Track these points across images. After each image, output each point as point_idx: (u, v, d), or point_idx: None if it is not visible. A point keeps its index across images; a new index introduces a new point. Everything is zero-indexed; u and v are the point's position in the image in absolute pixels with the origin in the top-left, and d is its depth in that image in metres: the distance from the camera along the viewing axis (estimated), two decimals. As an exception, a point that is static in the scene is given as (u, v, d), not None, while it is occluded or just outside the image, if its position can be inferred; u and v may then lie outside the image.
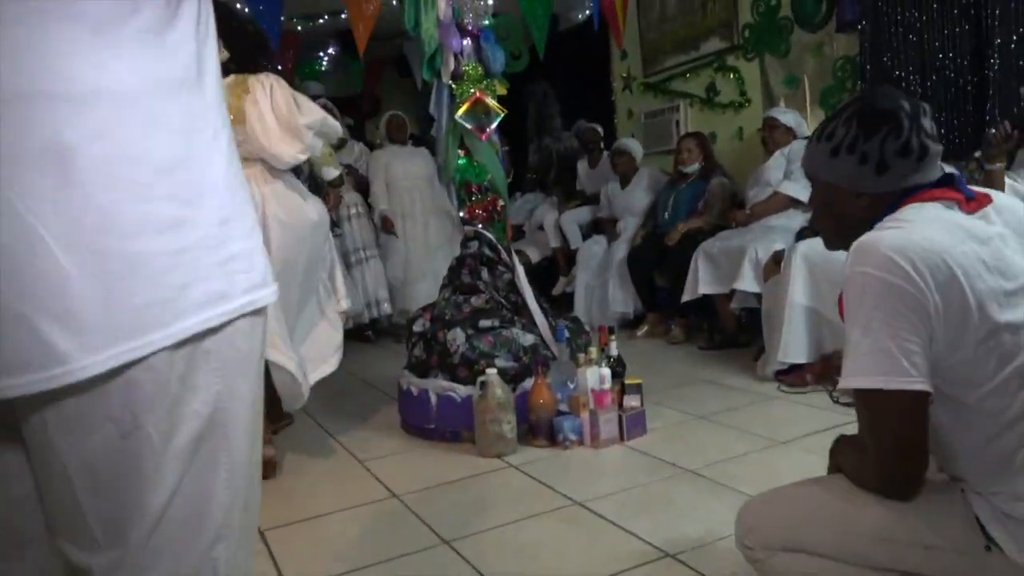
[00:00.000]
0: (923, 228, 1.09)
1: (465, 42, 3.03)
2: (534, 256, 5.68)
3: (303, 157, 2.68)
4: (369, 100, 7.62)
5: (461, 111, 3.01)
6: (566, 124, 6.32)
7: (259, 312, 0.83)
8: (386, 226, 4.90)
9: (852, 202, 1.20)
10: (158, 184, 0.73)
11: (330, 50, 6.86)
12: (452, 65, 3.00)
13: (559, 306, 4.86)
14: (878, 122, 1.15)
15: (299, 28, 5.89)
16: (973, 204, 1.15)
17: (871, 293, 1.06)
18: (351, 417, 3.33)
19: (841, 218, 1.23)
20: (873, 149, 1.15)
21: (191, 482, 0.78)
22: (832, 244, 1.28)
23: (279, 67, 6.38)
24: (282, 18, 5.32)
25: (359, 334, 5.15)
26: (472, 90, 3.02)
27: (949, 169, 1.21)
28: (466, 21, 3.02)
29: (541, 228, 5.75)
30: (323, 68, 7.14)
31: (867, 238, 1.11)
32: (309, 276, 2.70)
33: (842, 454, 1.27)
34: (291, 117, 2.59)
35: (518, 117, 5.96)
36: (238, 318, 0.80)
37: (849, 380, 1.09)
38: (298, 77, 6.33)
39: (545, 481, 2.37)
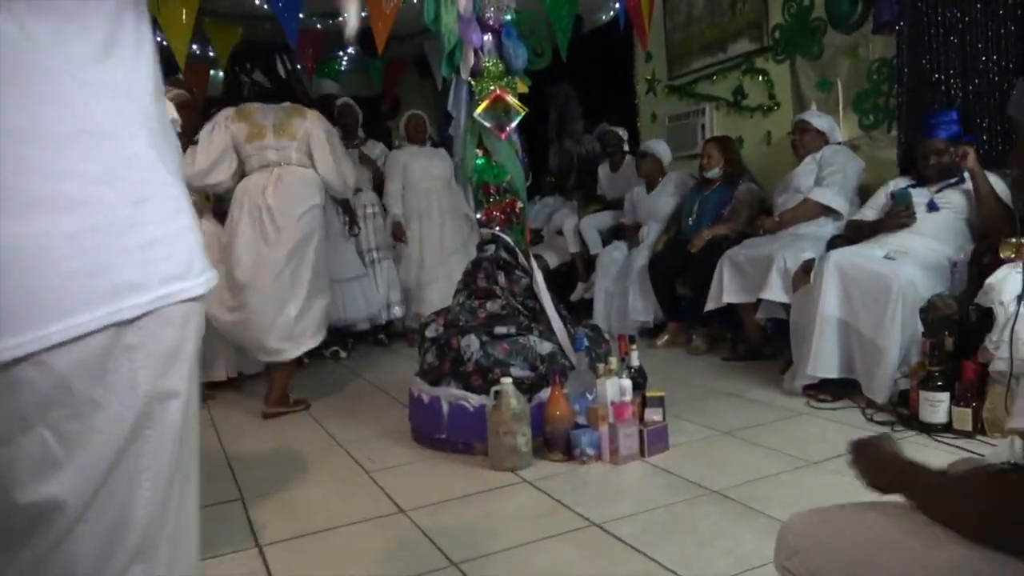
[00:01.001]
0: None
1: (486, 37, 2.91)
2: (552, 261, 5.56)
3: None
4: (389, 100, 7.52)
5: (480, 109, 2.89)
6: (588, 127, 6.18)
7: (195, 300, 0.74)
8: (396, 233, 4.81)
9: None
10: (53, 159, 0.64)
11: (350, 49, 6.77)
12: (472, 61, 2.88)
13: (577, 313, 4.73)
14: None
15: (318, 26, 5.80)
16: None
17: None
18: (360, 424, 3.21)
19: None
20: None
21: (109, 493, 0.68)
22: None
23: (298, 65, 6.34)
24: (301, 15, 5.25)
25: (372, 337, 5.06)
26: (492, 87, 2.91)
27: None
28: (487, 16, 2.90)
29: (560, 233, 5.62)
30: (343, 68, 7.05)
31: None
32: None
33: (940, 492, 1.02)
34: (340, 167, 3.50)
35: (539, 120, 5.84)
36: (166, 307, 0.71)
37: (1018, 420, 0.90)
38: (316, 76, 6.24)
39: (561, 499, 2.24)
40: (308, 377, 4.14)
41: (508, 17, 2.95)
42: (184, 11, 4.25)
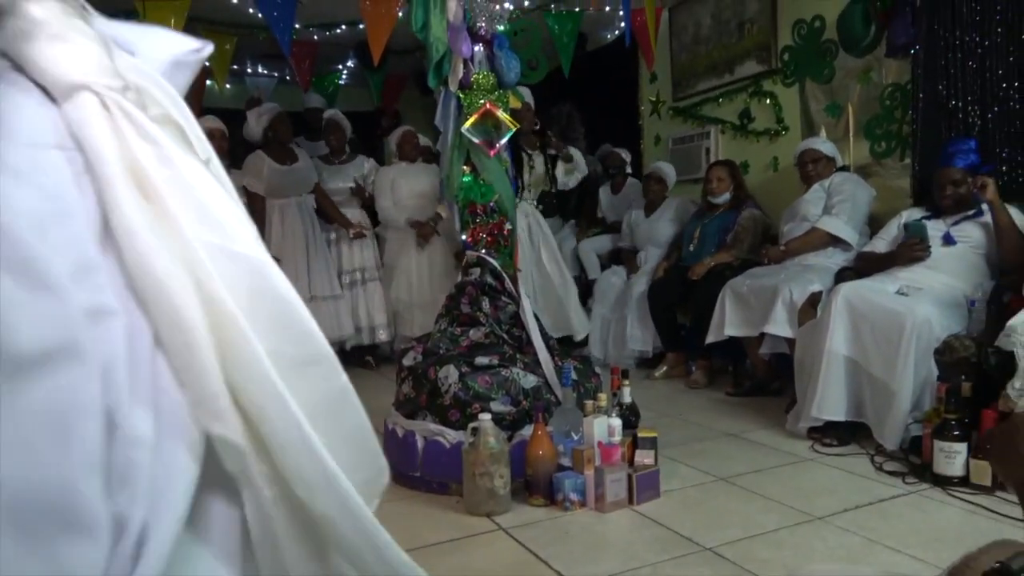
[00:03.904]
0: None
1: (477, 48, 2.75)
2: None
3: None
4: (391, 115, 7.37)
5: (468, 123, 2.72)
6: (590, 148, 6.02)
7: None
8: (424, 233, 4.57)
9: None
10: None
11: (349, 63, 6.64)
12: (461, 72, 2.71)
13: (573, 340, 4.53)
14: None
15: (315, 37, 5.67)
16: None
17: None
18: (333, 455, 3.01)
19: None
20: None
21: None
22: None
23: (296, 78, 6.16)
24: (297, 25, 5.10)
25: (359, 360, 4.86)
26: (482, 101, 2.74)
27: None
28: (479, 26, 2.73)
29: (558, 256, 5.42)
30: (342, 82, 6.92)
31: None
32: None
33: None
34: None
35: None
36: None
37: None
38: (313, 89, 6.11)
39: (538, 552, 2.03)
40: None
41: (501, 28, 2.79)
42: (172, 17, 4.11)
